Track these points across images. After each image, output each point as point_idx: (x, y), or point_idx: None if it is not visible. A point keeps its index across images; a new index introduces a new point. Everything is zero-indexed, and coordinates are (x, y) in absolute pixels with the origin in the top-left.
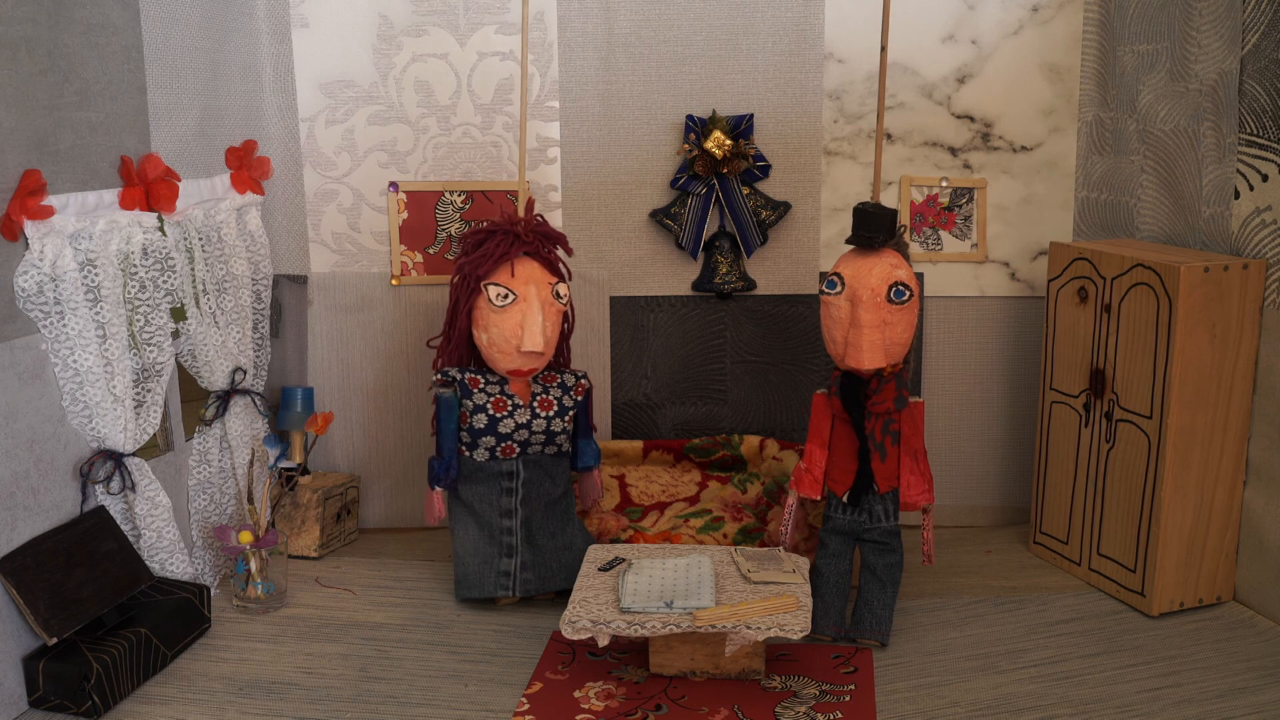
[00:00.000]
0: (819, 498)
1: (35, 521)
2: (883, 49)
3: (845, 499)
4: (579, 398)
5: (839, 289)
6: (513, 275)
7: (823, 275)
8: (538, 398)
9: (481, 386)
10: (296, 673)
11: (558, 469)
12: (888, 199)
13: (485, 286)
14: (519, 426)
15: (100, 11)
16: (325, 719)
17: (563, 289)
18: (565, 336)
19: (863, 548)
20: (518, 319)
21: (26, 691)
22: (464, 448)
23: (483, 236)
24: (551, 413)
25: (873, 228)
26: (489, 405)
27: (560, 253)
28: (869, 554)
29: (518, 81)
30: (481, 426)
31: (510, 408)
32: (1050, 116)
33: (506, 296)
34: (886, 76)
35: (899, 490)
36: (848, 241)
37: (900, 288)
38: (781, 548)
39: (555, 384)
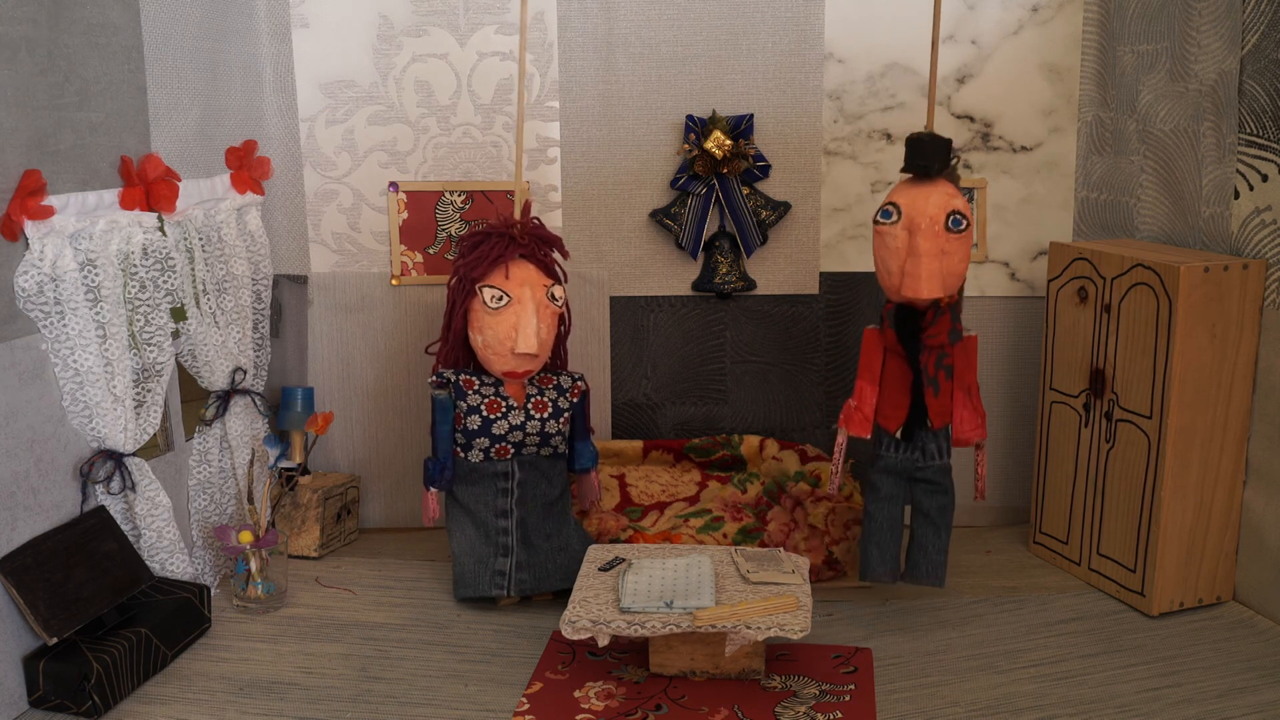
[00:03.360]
0: (868, 436)
1: (35, 521)
2: (936, 20)
3: (899, 435)
4: (575, 399)
5: (895, 218)
6: (507, 277)
7: (823, 275)
8: (532, 399)
9: (476, 388)
10: (296, 673)
11: (554, 470)
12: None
13: (480, 289)
14: (513, 428)
15: (100, 11)
16: (325, 719)
17: (558, 291)
18: (562, 339)
19: (914, 489)
20: (512, 321)
21: (27, 691)
22: (459, 449)
23: (478, 239)
24: (546, 414)
25: (928, 156)
26: (483, 407)
27: (556, 255)
28: (921, 496)
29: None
30: (475, 428)
31: (504, 409)
32: (1050, 116)
33: (501, 299)
34: (886, 77)
35: (951, 427)
36: (902, 170)
37: (957, 216)
38: (781, 549)
39: (551, 386)
